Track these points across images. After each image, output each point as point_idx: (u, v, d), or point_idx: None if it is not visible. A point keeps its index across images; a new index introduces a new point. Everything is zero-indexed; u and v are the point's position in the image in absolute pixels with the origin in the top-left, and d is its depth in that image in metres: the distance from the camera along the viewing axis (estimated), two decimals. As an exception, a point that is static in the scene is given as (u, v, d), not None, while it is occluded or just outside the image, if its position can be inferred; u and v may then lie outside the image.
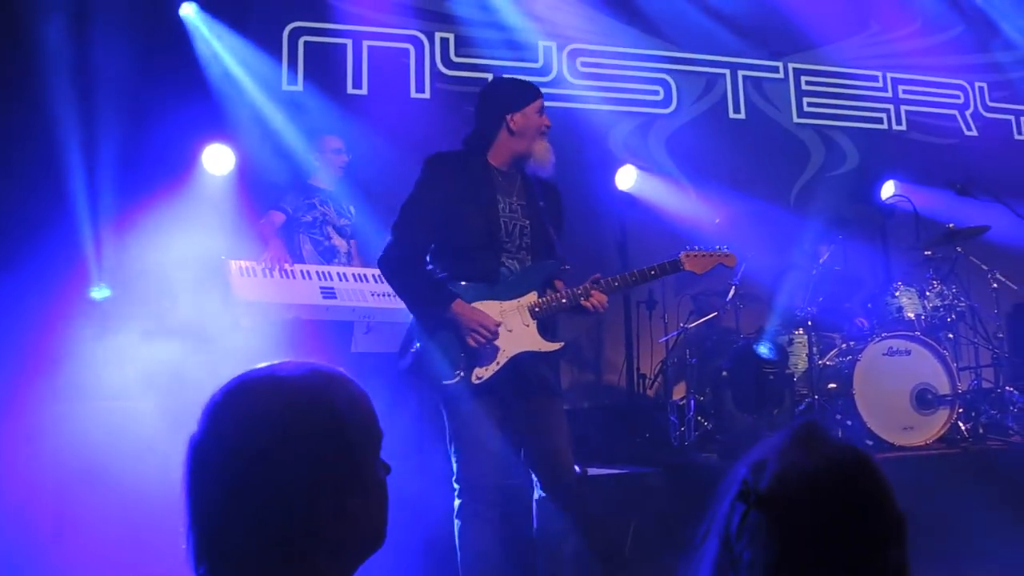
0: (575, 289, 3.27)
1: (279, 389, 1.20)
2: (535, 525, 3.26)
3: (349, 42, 6.96)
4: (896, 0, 8.55)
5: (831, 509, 1.08)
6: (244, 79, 6.37)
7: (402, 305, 3.36)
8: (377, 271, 4.85)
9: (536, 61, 7.47)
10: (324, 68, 6.85)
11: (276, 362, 1.25)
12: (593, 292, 3.24)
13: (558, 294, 3.27)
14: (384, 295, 4.69)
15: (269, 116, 6.28)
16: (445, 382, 3.14)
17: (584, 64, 7.62)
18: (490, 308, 3.19)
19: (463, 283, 3.21)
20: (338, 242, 5.33)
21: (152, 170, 5.69)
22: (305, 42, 6.83)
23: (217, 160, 5.81)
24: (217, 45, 6.36)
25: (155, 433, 3.75)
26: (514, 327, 3.21)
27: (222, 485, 1.14)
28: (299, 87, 6.74)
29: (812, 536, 1.07)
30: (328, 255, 5.23)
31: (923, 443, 5.69)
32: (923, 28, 8.72)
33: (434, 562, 3.74)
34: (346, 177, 5.61)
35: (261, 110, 6.32)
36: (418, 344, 3.21)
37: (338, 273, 4.83)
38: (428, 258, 3.30)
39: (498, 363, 3.17)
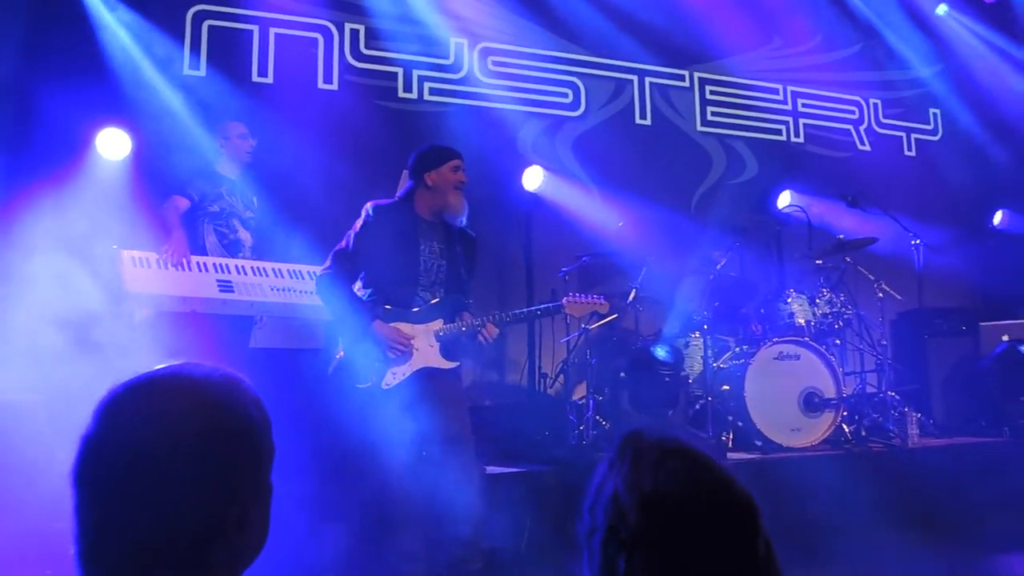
0: (473, 321, 4.02)
1: (191, 389, 1.15)
2: (437, 511, 3.71)
3: (255, 28, 6.79)
4: (798, 16, 8.82)
5: (704, 522, 1.10)
6: (143, 61, 6.15)
7: (301, 301, 4.14)
8: (277, 265, 4.81)
9: (447, 58, 7.45)
10: (228, 54, 6.66)
11: (179, 362, 1.21)
12: (487, 327, 4.00)
13: (460, 323, 4.01)
14: (284, 290, 4.62)
15: (169, 101, 6.08)
16: (360, 385, 3.86)
17: (495, 63, 7.64)
18: (403, 329, 3.95)
19: (385, 307, 3.95)
20: (243, 235, 5.18)
21: (41, 153, 5.44)
22: (209, 26, 6.63)
23: (112, 144, 5.57)
24: (114, 23, 6.12)
25: (40, 428, 3.61)
26: (421, 347, 3.96)
27: (122, 487, 1.08)
28: (201, 72, 6.54)
29: (695, 553, 1.08)
30: (233, 248, 5.07)
31: (809, 444, 5.92)
32: (823, 44, 9.04)
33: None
34: (249, 167, 5.48)
35: (160, 94, 6.11)
36: (341, 353, 3.94)
37: (237, 266, 4.70)
38: (360, 283, 4.02)
39: (404, 374, 3.92)
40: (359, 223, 4.01)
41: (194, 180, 5.12)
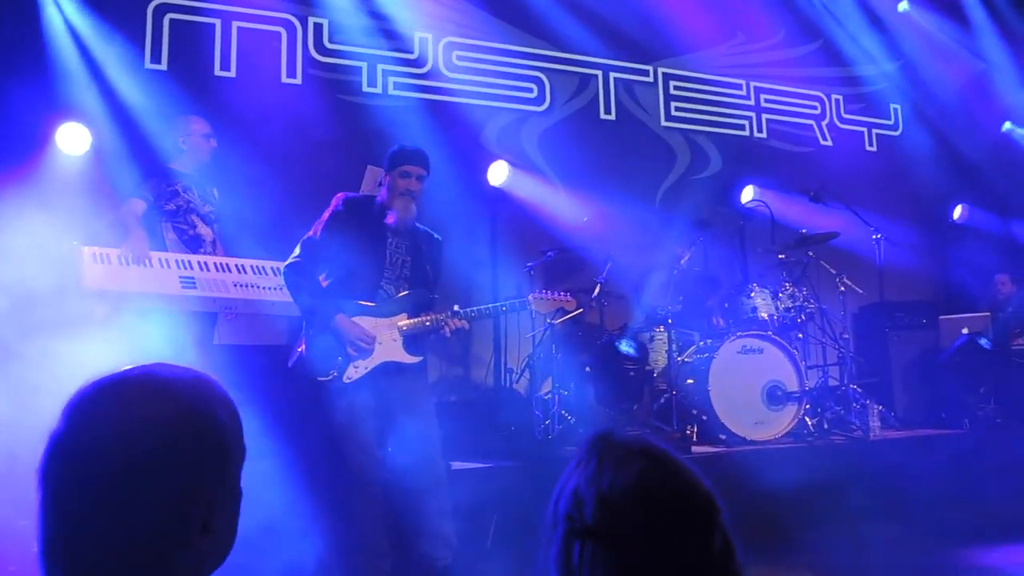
0: (438, 316, 3.97)
1: (159, 391, 1.13)
2: (408, 510, 3.73)
3: (218, 22, 6.71)
4: (761, 12, 8.89)
5: (656, 519, 1.11)
6: (104, 55, 6.06)
7: (265, 297, 4.10)
8: (240, 260, 4.77)
9: (412, 52, 7.42)
10: (191, 48, 6.59)
11: (150, 363, 1.19)
12: (450, 321, 3.94)
13: (424, 318, 3.97)
14: (248, 286, 4.58)
15: (130, 95, 5.99)
16: (321, 378, 3.82)
17: (460, 57, 7.62)
18: (366, 322, 3.90)
19: (349, 300, 3.90)
20: (203, 230, 5.11)
21: (0, 148, 5.35)
22: (170, 20, 6.55)
23: (72, 140, 5.48)
24: (74, 17, 6.03)
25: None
26: (384, 340, 3.92)
27: (89, 487, 1.06)
28: (163, 66, 6.46)
29: (645, 549, 1.10)
30: (193, 244, 5.00)
31: (772, 437, 5.99)
32: (785, 40, 9.12)
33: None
34: (210, 161, 5.41)
35: (121, 89, 6.02)
36: (303, 347, 3.90)
37: (199, 262, 4.65)
38: (326, 274, 3.98)
39: (367, 367, 3.87)
40: (328, 213, 3.99)
41: (147, 181, 5.04)
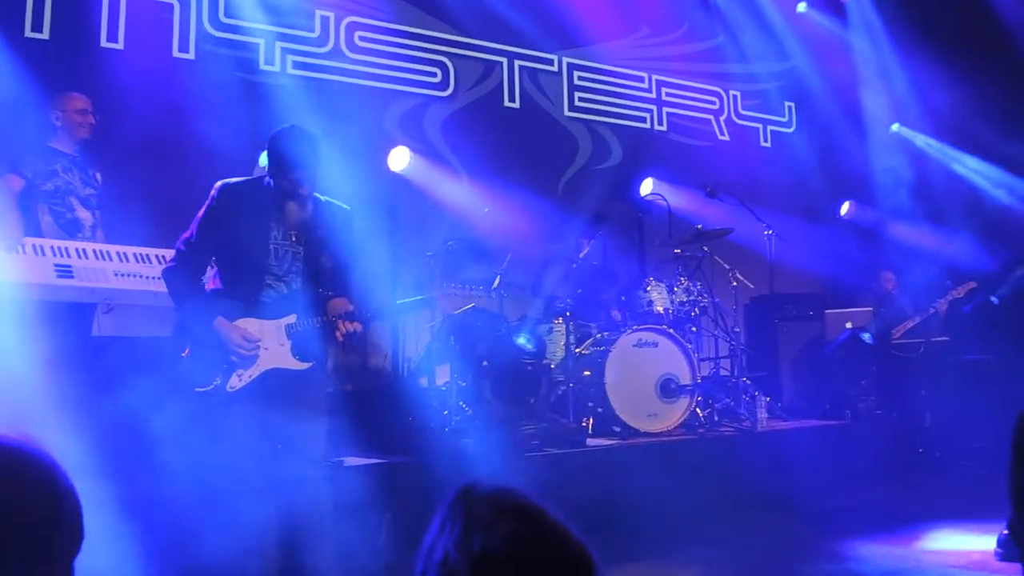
0: (328, 317, 3.56)
1: None
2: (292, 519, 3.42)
3: (106, -11, 6.39)
4: (665, 6, 8.99)
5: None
6: (-23, 21, 5.69)
7: (148, 287, 3.83)
8: (122, 248, 4.54)
9: (312, 31, 7.22)
10: (75, 17, 6.24)
11: None
12: (341, 324, 3.53)
13: (314, 320, 3.56)
14: (129, 275, 4.36)
15: (6, 66, 5.63)
16: (200, 388, 3.45)
17: (362, 39, 7.45)
18: (250, 325, 3.50)
19: (230, 301, 3.51)
20: (82, 214, 4.84)
21: None
22: (54, -14, 6.19)
23: (-61, 112, 5.13)
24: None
25: None
26: (270, 345, 3.52)
27: None
28: (45, 35, 6.10)
29: None
30: (70, 228, 4.73)
31: (665, 429, 6.10)
32: (687, 35, 9.26)
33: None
34: (94, 140, 5.14)
35: (-2, 58, 5.66)
36: (186, 351, 3.52)
37: (77, 249, 4.38)
38: (217, 272, 3.61)
39: (251, 375, 3.49)
40: (203, 207, 3.58)
41: (26, 157, 4.75)
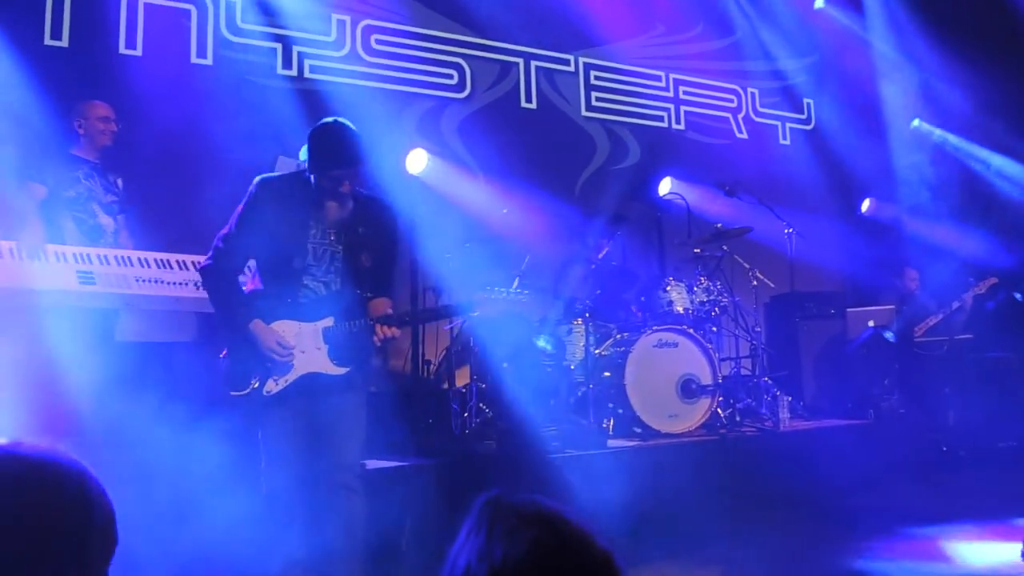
0: (367, 320, 3.41)
1: (19, 472, 1.03)
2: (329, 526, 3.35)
3: (124, -4, 6.43)
4: (680, 4, 8.96)
5: None
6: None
7: (169, 292, 3.76)
8: (143, 254, 4.57)
9: (329, 35, 7.24)
10: (94, 25, 6.28)
11: (10, 440, 1.07)
12: (380, 328, 3.38)
13: (352, 323, 3.41)
14: (151, 281, 4.37)
15: (27, 74, 5.68)
16: (235, 392, 3.36)
17: (379, 42, 7.46)
18: (288, 328, 3.39)
19: (268, 302, 3.41)
20: (104, 220, 4.87)
21: None
22: (72, -7, 6.24)
23: (-39, 120, 5.17)
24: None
25: None
26: (307, 348, 3.40)
27: None
28: (64, 43, 6.15)
29: None
30: (93, 235, 4.75)
31: (686, 430, 6.07)
32: (704, 33, 9.22)
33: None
34: (114, 147, 5.17)
35: (18, 66, 5.70)
36: (223, 355, 3.44)
37: (99, 256, 4.40)
38: (252, 272, 3.54)
39: (287, 380, 3.37)
40: (242, 202, 3.46)
41: (48, 165, 4.79)
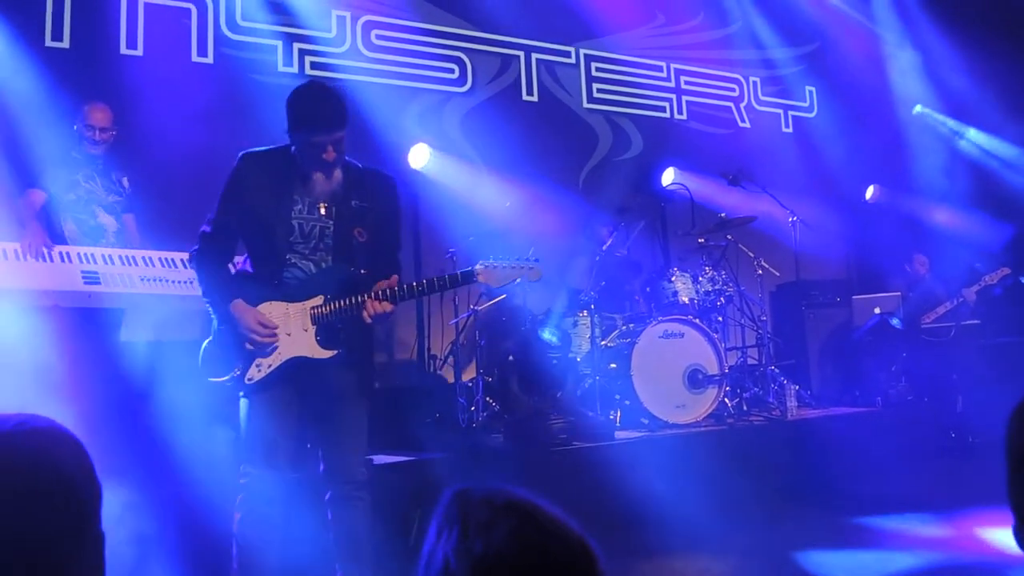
0: (355, 298, 3.13)
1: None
2: (329, 517, 3.23)
3: (123, -3, 6.42)
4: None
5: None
6: (-1, 31, 5.74)
7: (174, 291, 3.66)
8: (147, 253, 4.57)
9: (329, 31, 7.23)
10: (95, 25, 6.28)
11: None
12: (371, 303, 3.10)
13: (342, 301, 3.14)
14: (156, 280, 4.37)
15: (28, 75, 5.68)
16: (213, 379, 3.15)
17: (379, 37, 7.45)
18: (275, 309, 3.14)
19: (254, 282, 3.18)
20: (105, 220, 4.87)
21: None
22: (73, -6, 6.23)
23: (-35, 123, 5.18)
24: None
25: None
26: (293, 331, 3.15)
27: None
28: (65, 44, 6.15)
29: None
30: (94, 235, 4.76)
31: (694, 420, 6.06)
32: (704, 22, 9.18)
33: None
34: (119, 146, 5.16)
35: (19, 68, 5.70)
36: (208, 340, 3.22)
37: (104, 256, 4.40)
38: (246, 256, 3.31)
39: (271, 365, 3.13)
40: (225, 180, 3.21)
41: (47, 170, 4.78)
